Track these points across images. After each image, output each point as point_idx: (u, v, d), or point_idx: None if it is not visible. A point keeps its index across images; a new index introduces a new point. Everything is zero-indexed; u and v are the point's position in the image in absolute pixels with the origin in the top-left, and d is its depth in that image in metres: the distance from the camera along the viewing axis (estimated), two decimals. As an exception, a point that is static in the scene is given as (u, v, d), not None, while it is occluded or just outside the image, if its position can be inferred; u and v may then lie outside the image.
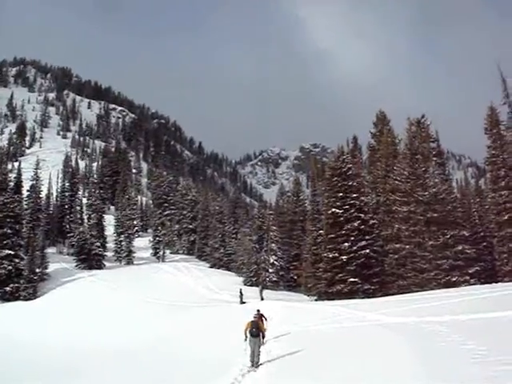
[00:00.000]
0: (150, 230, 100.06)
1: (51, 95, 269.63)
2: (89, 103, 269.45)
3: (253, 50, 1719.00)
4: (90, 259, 71.91)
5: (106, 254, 76.43)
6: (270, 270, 62.09)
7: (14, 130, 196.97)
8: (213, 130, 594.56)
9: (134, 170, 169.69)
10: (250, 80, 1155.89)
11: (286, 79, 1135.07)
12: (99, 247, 74.27)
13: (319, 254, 49.36)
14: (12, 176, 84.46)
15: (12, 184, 78.52)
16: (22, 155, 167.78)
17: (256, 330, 19.61)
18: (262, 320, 23.25)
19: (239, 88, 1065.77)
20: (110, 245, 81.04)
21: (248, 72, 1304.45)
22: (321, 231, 51.08)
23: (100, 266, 72.48)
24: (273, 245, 63.79)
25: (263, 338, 20.47)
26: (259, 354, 19.33)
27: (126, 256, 78.70)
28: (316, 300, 47.83)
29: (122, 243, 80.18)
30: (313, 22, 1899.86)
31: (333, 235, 45.14)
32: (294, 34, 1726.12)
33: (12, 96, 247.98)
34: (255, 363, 19.08)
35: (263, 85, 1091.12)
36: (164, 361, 25.12)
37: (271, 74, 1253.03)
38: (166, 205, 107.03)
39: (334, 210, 45.60)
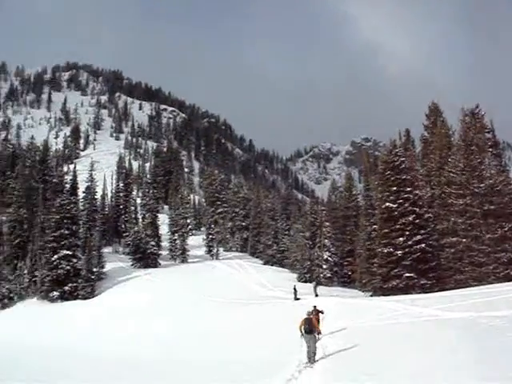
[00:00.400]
0: (203, 228, 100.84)
1: (103, 98, 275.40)
2: (140, 104, 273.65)
3: (302, 47, 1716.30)
4: (145, 258, 72.98)
5: (160, 252, 77.43)
6: (324, 266, 61.76)
7: (68, 134, 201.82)
8: (263, 128, 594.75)
9: (186, 169, 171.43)
10: (300, 76, 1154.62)
11: (335, 74, 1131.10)
12: (154, 246, 75.31)
13: (373, 250, 48.76)
14: (68, 178, 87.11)
15: (68, 186, 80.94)
16: (77, 157, 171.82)
17: (309, 326, 19.57)
18: (318, 316, 23.21)
19: (288, 84, 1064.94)
20: (165, 243, 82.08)
21: (297, 68, 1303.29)
22: (375, 226, 50.46)
23: (155, 265, 73.49)
24: (326, 241, 63.42)
25: (319, 334, 20.38)
26: (315, 351, 19.28)
27: (181, 254, 79.50)
28: (371, 296, 47.32)
29: (177, 242, 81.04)
30: (362, 18, 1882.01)
31: (387, 230, 44.55)
32: (343, 29, 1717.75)
33: (66, 100, 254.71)
34: (311, 359, 19.05)
35: (313, 80, 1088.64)
36: (219, 357, 25.29)
37: (321, 69, 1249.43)
38: (218, 203, 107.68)
39: (387, 204, 44.99)
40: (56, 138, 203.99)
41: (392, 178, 45.80)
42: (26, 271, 62.42)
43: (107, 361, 30.38)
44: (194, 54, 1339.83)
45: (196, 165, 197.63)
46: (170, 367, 25.48)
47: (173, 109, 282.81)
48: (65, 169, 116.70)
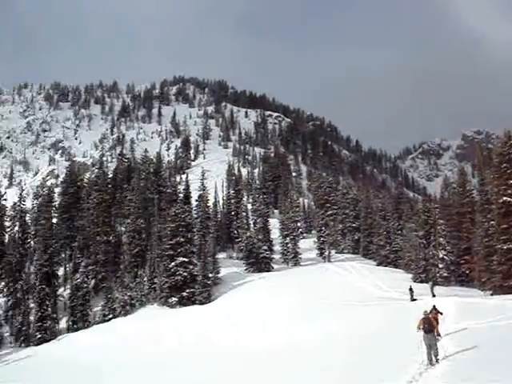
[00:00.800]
0: (314, 231, 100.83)
1: (210, 108, 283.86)
2: (245, 112, 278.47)
3: (402, 42, 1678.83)
4: (258, 262, 73.99)
5: (273, 256, 78.10)
6: (440, 266, 59.99)
7: (179, 145, 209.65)
8: (370, 127, 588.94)
9: (293, 174, 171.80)
10: (403, 71, 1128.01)
11: (440, 67, 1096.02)
12: (266, 250, 76.14)
13: (492, 246, 46.87)
14: (181, 188, 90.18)
15: (181, 195, 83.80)
16: (188, 167, 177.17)
17: (428, 326, 19.23)
18: (437, 316, 22.74)
19: (392, 81, 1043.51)
20: (277, 247, 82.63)
21: (400, 63, 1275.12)
22: (492, 222, 48.43)
23: (268, 269, 74.28)
24: (441, 239, 61.60)
25: (438, 335, 19.96)
26: (437, 352, 18.88)
27: (293, 258, 79.84)
28: (491, 295, 45.53)
29: (288, 245, 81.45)
30: (465, 7, 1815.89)
31: (506, 225, 42.76)
32: (446, 21, 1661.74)
33: (175, 113, 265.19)
34: (432, 361, 18.69)
35: (417, 75, 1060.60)
36: (337, 359, 25.27)
37: (424, 62, 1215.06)
38: (327, 205, 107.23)
39: (505, 198, 43.19)
40: (168, 149, 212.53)
41: (508, 171, 43.92)
42: (145, 278, 65.05)
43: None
44: (296, 58, 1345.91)
45: (303, 168, 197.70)
46: (288, 373, 25.75)
47: (278, 114, 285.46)
48: (177, 179, 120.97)
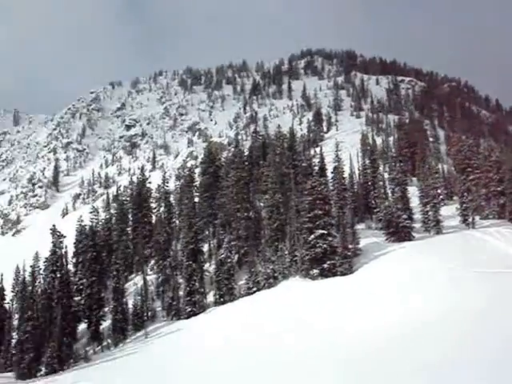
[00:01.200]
0: (455, 198, 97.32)
1: (339, 79, 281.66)
2: (376, 80, 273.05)
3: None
4: (398, 232, 72.47)
5: (413, 225, 76.14)
6: None
7: (311, 118, 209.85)
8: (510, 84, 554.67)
9: (430, 139, 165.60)
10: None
11: None
12: (406, 219, 74.36)
13: None
14: (315, 161, 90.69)
15: (316, 168, 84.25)
16: (322, 140, 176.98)
17: None
18: None
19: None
20: (417, 216, 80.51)
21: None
22: None
23: (409, 238, 72.53)
24: None
25: None
26: None
27: (434, 226, 77.42)
28: None
29: (429, 213, 79.04)
30: None
31: None
32: None
33: (304, 87, 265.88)
34: None
35: None
36: (494, 329, 24.52)
37: None
38: (469, 169, 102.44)
39: None
40: (300, 124, 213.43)
41: None
42: (286, 252, 66.16)
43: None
44: (425, 18, 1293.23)
45: (441, 133, 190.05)
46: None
47: (410, 79, 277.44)
48: (311, 152, 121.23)
